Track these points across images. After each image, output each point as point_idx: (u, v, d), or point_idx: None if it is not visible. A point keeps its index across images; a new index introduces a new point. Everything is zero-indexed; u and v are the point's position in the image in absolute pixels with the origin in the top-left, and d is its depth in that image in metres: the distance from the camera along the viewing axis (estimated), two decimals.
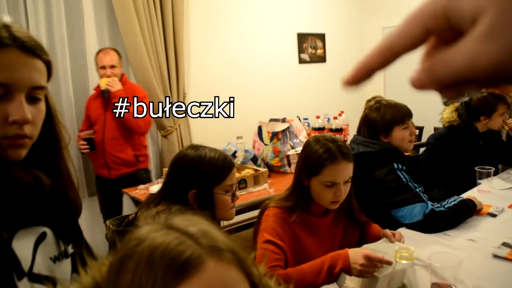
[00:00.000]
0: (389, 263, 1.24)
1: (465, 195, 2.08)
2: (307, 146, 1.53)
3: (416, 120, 4.00)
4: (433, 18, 0.26)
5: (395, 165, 1.82)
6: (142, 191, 2.65)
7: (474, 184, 2.35)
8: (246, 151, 2.81)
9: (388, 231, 1.58)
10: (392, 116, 1.91)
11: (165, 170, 1.86)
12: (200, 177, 1.30)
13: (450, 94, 0.28)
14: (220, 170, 1.32)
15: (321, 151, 1.45)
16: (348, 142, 2.17)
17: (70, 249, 0.81)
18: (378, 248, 1.38)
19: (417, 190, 1.77)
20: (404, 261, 1.16)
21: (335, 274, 1.28)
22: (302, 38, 4.31)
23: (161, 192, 1.33)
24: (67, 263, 0.79)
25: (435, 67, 0.27)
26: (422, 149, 3.07)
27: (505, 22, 0.23)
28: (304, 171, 1.49)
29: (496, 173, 2.56)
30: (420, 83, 0.28)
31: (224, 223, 1.60)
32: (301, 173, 1.50)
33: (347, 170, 1.47)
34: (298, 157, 1.58)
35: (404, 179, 1.78)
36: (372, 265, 1.25)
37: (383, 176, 1.80)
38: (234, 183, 1.37)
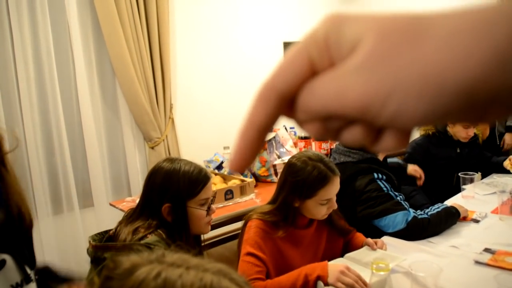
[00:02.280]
0: (365, 284, 1.27)
1: (449, 202, 2.11)
2: (295, 170, 1.49)
3: None
4: (315, 47, 0.23)
5: (375, 175, 1.84)
6: (129, 204, 2.63)
7: (452, 191, 2.39)
8: None
9: (370, 240, 1.59)
10: None
11: None
12: (173, 191, 1.28)
13: (315, 129, 0.24)
14: (194, 184, 1.31)
15: (314, 174, 1.45)
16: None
17: (33, 275, 0.79)
18: (358, 257, 1.39)
19: (398, 198, 1.79)
20: (381, 273, 1.17)
21: (311, 281, 1.29)
22: (288, 47, 4.34)
23: (139, 207, 1.32)
24: None
25: (304, 91, 0.23)
26: None
27: (381, 54, 0.20)
28: (297, 195, 1.47)
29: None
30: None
31: (211, 234, 1.59)
32: (291, 195, 1.48)
33: (338, 183, 1.51)
34: (283, 180, 1.53)
35: (384, 188, 1.80)
36: (350, 275, 1.27)
37: (364, 186, 1.82)
38: (209, 197, 1.35)
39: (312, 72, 0.23)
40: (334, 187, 1.48)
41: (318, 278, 1.28)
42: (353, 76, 0.21)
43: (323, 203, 1.47)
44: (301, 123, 0.25)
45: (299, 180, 1.47)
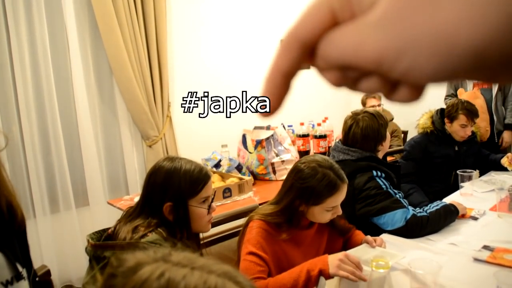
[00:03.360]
0: (361, 272, 1.26)
1: (448, 199, 2.11)
2: (303, 176, 1.46)
3: (401, 125, 4.06)
4: None
5: (374, 173, 1.83)
6: (126, 202, 2.62)
7: (450, 189, 2.39)
8: (230, 159, 2.81)
9: (369, 238, 1.59)
10: (374, 137, 1.92)
11: None
12: (174, 190, 1.28)
13: (333, 77, 0.26)
14: (195, 182, 1.30)
15: (324, 183, 1.43)
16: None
17: (25, 273, 0.78)
18: (357, 254, 1.39)
19: (397, 196, 1.79)
20: (381, 270, 1.17)
21: (313, 276, 1.28)
22: None
23: (139, 205, 1.31)
24: (23, 286, 0.76)
25: (324, 41, 0.24)
26: None
27: (397, 11, 0.21)
28: (303, 201, 1.45)
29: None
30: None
31: (209, 232, 1.59)
32: (297, 200, 1.46)
33: (345, 191, 1.49)
34: (290, 184, 1.50)
35: (383, 186, 1.80)
36: (350, 262, 1.27)
37: (363, 184, 1.81)
38: (210, 195, 1.35)
39: (333, 23, 0.24)
40: (342, 194, 1.47)
41: (320, 272, 1.28)
42: (370, 31, 0.22)
43: (329, 210, 1.46)
44: (321, 70, 0.26)
45: (307, 187, 1.44)
